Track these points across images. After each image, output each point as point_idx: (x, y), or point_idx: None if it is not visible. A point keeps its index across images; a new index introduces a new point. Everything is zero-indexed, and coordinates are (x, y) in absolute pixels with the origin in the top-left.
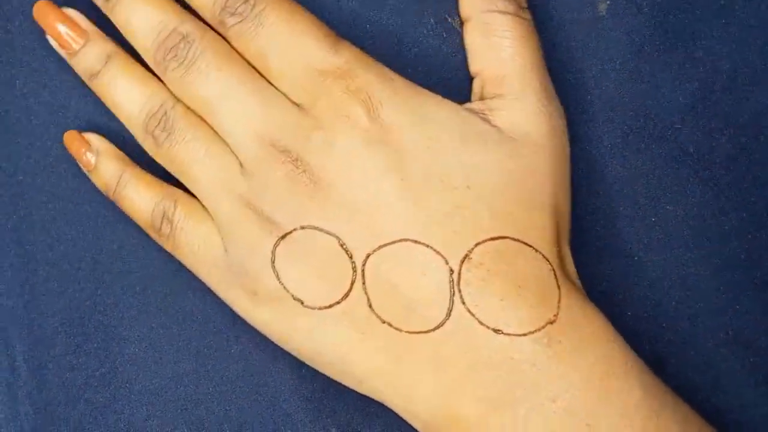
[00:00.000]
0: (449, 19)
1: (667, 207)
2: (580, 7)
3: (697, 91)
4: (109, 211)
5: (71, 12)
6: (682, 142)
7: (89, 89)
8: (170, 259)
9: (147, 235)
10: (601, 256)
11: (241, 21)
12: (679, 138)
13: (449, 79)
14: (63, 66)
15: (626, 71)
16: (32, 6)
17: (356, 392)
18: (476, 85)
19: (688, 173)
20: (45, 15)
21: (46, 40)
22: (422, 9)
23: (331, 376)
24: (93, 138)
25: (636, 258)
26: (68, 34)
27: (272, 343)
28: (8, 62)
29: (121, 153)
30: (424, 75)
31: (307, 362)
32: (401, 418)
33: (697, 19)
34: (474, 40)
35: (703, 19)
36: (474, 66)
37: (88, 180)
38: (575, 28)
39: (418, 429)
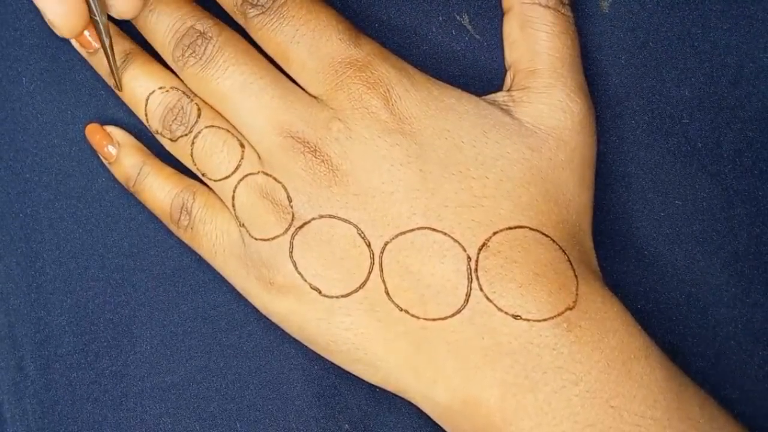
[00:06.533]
0: (458, 17)
1: (676, 202)
2: (583, 4)
3: (703, 86)
4: (117, 209)
5: None
6: (689, 137)
7: (96, 87)
8: (181, 256)
9: (156, 233)
10: (611, 251)
11: (262, 12)
12: (686, 133)
13: (458, 76)
14: (70, 64)
15: (631, 67)
16: None
17: (369, 389)
18: (508, 76)
19: (695, 168)
20: None
21: (54, 39)
22: (431, 7)
23: (346, 367)
24: (115, 131)
25: (646, 252)
26: (89, 34)
27: (284, 340)
28: (16, 60)
29: (141, 146)
30: (434, 72)
31: (322, 352)
32: (414, 414)
33: (702, 13)
34: (511, 30)
35: (709, 14)
36: (508, 57)
37: (96, 178)
38: (579, 26)
39: (436, 416)
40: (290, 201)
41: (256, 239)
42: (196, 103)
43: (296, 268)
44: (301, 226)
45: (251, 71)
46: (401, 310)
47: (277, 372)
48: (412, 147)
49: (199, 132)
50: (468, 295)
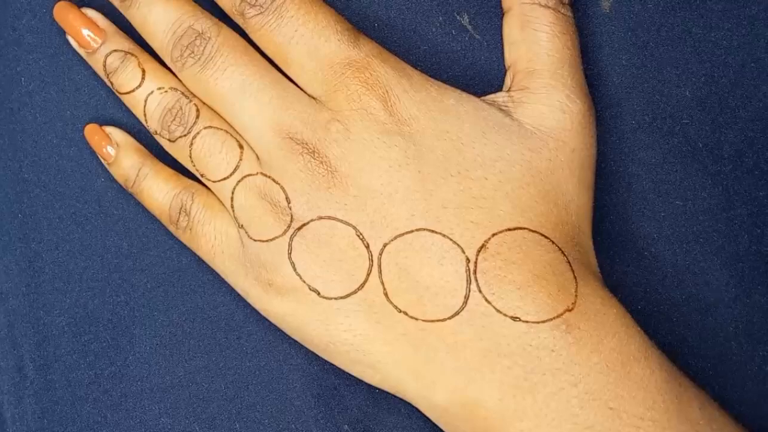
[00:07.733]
0: (458, 17)
1: (676, 202)
2: (584, 3)
3: (704, 86)
4: (116, 209)
5: (90, 12)
6: (689, 137)
7: (95, 87)
8: (180, 257)
9: (155, 234)
10: (611, 251)
11: (261, 13)
12: (686, 133)
13: (458, 76)
14: (69, 64)
15: (632, 67)
16: (39, 5)
17: (368, 389)
18: (507, 77)
19: (696, 168)
20: (65, 15)
21: (53, 39)
22: (431, 7)
23: (345, 368)
24: (113, 131)
25: (646, 253)
26: (88, 34)
27: (284, 340)
28: (15, 60)
29: (140, 146)
30: (433, 72)
31: (321, 353)
32: (413, 415)
33: (703, 13)
34: (511, 31)
35: (710, 14)
36: (508, 57)
37: (95, 178)
38: (580, 25)
39: (435, 417)
40: (289, 202)
41: (254, 240)
42: (194, 104)
43: (295, 270)
44: (299, 228)
45: (250, 72)
46: (400, 311)
47: (277, 372)
48: (410, 148)
49: (198, 133)
50: (467, 297)
